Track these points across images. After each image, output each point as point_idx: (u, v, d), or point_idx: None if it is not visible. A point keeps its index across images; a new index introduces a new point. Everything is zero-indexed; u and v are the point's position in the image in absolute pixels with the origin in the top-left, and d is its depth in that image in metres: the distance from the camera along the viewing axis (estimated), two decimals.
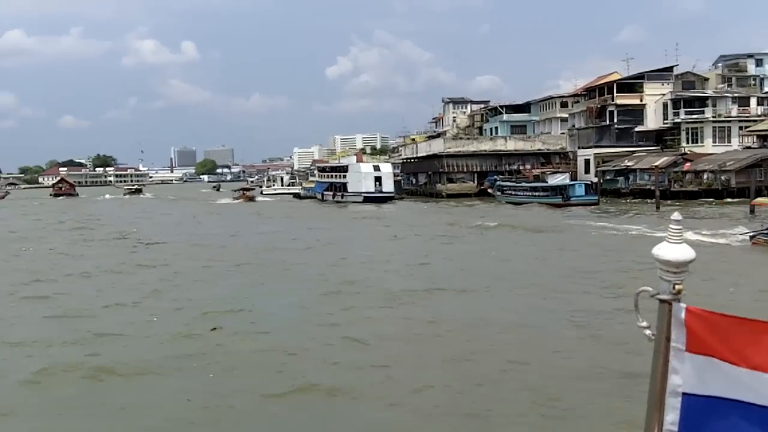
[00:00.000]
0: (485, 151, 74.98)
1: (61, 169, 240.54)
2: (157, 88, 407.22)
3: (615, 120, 70.48)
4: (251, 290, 20.16)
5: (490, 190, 67.67)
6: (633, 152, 64.88)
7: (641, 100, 70.09)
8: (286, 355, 12.88)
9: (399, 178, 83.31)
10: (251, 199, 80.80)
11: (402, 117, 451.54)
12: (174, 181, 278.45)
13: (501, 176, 70.16)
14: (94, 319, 16.39)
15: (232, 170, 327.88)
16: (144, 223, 49.70)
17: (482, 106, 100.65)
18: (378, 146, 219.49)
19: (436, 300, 18.03)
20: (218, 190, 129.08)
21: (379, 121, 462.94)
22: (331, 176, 77.49)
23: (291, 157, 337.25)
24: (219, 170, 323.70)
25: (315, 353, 12.97)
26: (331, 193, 74.65)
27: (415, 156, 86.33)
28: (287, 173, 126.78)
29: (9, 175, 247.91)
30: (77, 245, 34.25)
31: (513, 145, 76.03)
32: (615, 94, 70.71)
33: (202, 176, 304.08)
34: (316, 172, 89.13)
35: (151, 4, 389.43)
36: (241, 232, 39.88)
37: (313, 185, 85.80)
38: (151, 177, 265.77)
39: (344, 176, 73.02)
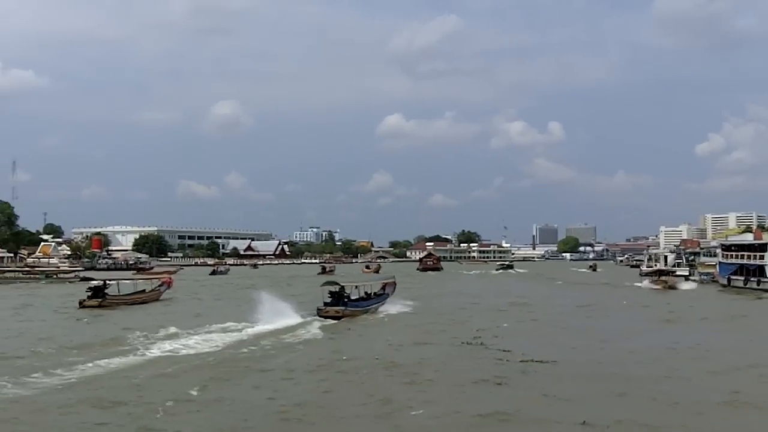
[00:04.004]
0: None
1: (427, 243, 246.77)
2: (522, 167, 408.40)
3: None
4: None
5: None
6: None
7: None
8: None
9: None
10: (672, 286, 61.20)
11: None
12: (536, 258, 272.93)
13: None
14: None
15: (595, 248, 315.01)
16: (519, 314, 38.38)
17: None
18: (755, 225, 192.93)
19: None
20: (595, 270, 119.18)
21: (753, 200, 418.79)
22: (742, 256, 62.55)
23: (657, 236, 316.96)
24: (581, 248, 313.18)
25: None
26: (742, 277, 60.17)
27: None
28: (671, 252, 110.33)
29: (379, 249, 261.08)
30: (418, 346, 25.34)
31: None
32: None
33: (564, 254, 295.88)
34: (719, 251, 73.97)
35: (520, 88, 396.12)
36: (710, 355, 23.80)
37: (711, 268, 71.78)
38: (513, 253, 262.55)
39: (762, 257, 58.23)
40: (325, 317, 31.59)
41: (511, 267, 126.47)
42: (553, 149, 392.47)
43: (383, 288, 40.23)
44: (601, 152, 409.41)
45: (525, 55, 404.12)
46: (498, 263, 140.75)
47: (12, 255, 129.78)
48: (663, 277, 64.55)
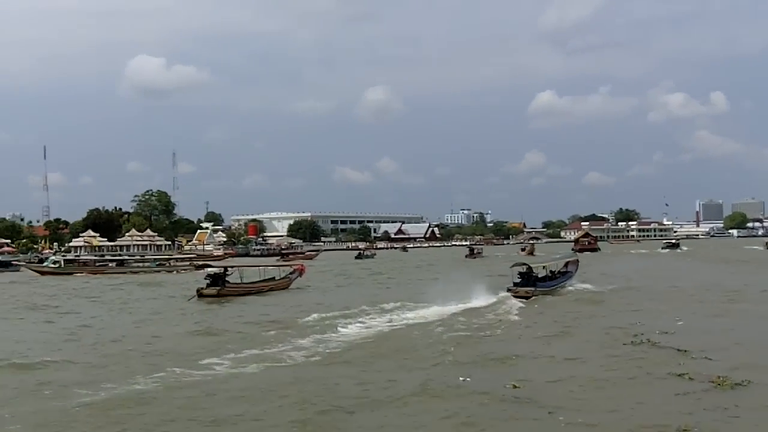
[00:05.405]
0: None
1: (582, 223, 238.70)
2: (683, 141, 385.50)
3: None
4: None
5: None
6: None
7: None
8: None
9: None
10: None
11: None
12: (700, 236, 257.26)
13: None
14: None
15: (764, 224, 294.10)
16: (699, 302, 30.80)
17: None
18: None
19: None
20: None
21: None
22: None
23: None
24: (749, 224, 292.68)
25: None
26: None
27: None
28: None
29: (532, 229, 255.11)
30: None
31: None
32: None
33: (731, 231, 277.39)
34: None
35: (679, 58, 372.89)
36: None
37: None
38: (675, 231, 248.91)
39: None
40: (516, 297, 32.00)
41: (677, 245, 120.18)
42: (717, 121, 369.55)
43: (566, 266, 41.19)
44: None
45: (682, 23, 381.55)
46: (664, 242, 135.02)
47: (170, 242, 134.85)
48: None
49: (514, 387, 14.95)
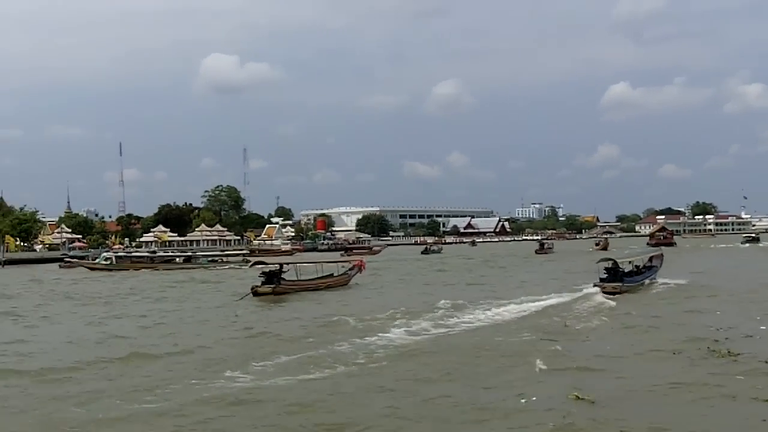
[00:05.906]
0: None
1: (658, 217, 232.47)
2: (761, 132, 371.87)
3: None
4: None
5: None
6: None
7: None
8: None
9: None
10: None
11: None
12: None
13: None
14: None
15: None
16: None
17: None
18: None
19: None
20: None
21: None
22: None
23: None
24: None
25: None
26: None
27: None
28: None
29: (606, 223, 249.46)
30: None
31: None
32: None
33: None
34: None
35: (756, 48, 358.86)
36: None
37: None
38: (753, 225, 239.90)
39: None
40: (604, 293, 31.62)
41: (758, 240, 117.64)
42: None
43: (650, 260, 40.52)
44: None
45: (759, 12, 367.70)
46: (744, 236, 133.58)
47: (239, 237, 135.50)
48: None
49: (577, 398, 13.21)
